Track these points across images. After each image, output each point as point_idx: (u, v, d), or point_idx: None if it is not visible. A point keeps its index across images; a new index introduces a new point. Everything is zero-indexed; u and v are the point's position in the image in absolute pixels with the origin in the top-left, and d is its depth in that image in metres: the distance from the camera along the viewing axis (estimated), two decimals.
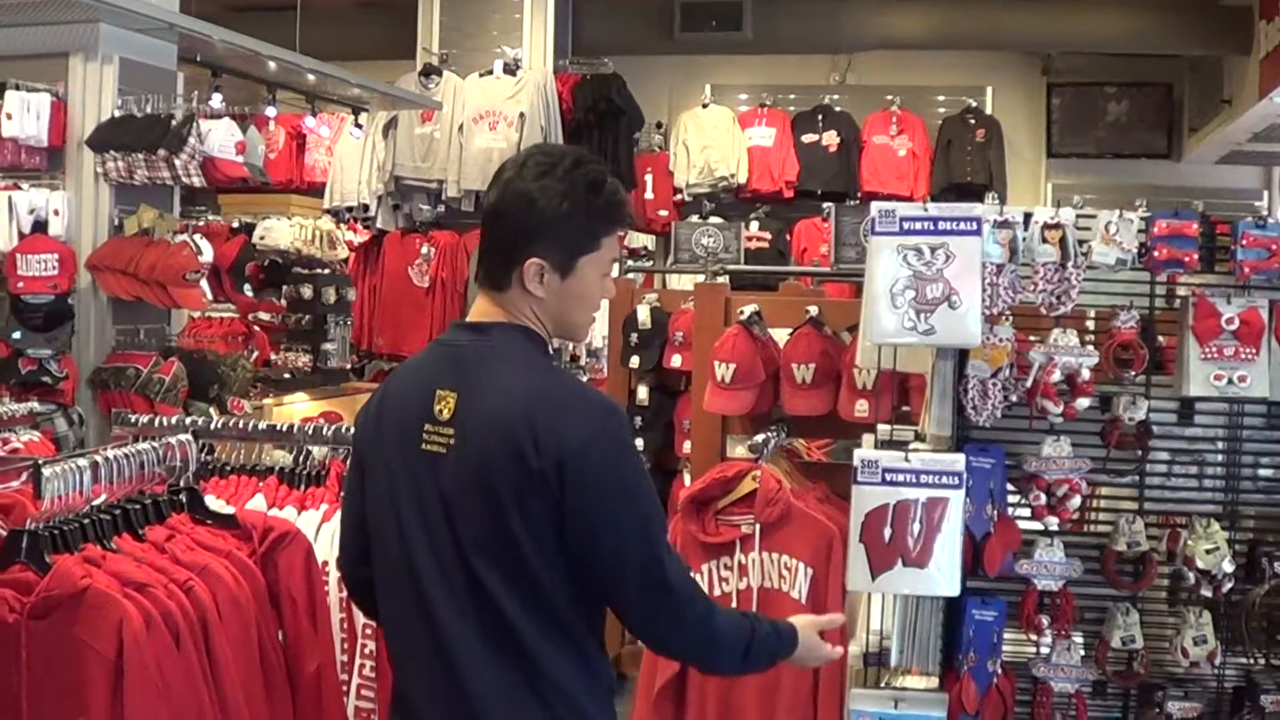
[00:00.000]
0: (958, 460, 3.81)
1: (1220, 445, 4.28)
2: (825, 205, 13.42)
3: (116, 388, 6.94)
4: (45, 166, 7.28)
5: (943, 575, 3.79)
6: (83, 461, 3.44)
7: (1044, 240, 3.92)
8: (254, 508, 4.16)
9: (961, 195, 13.62)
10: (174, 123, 6.94)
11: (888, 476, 3.80)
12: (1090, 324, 4.39)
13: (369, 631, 4.03)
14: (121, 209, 7.19)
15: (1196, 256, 4.00)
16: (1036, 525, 4.10)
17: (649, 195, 13.04)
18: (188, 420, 4.47)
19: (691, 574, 3.36)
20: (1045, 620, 4.11)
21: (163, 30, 7.30)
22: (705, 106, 14.40)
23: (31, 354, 6.91)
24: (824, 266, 12.34)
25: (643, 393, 7.22)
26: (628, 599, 3.21)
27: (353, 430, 3.55)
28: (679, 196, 13.55)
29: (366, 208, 11.48)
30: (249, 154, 7.33)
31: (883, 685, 4.09)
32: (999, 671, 4.06)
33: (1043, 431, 4.06)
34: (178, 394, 6.92)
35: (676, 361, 6.93)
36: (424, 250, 11.20)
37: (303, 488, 4.35)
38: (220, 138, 7.10)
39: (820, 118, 14.41)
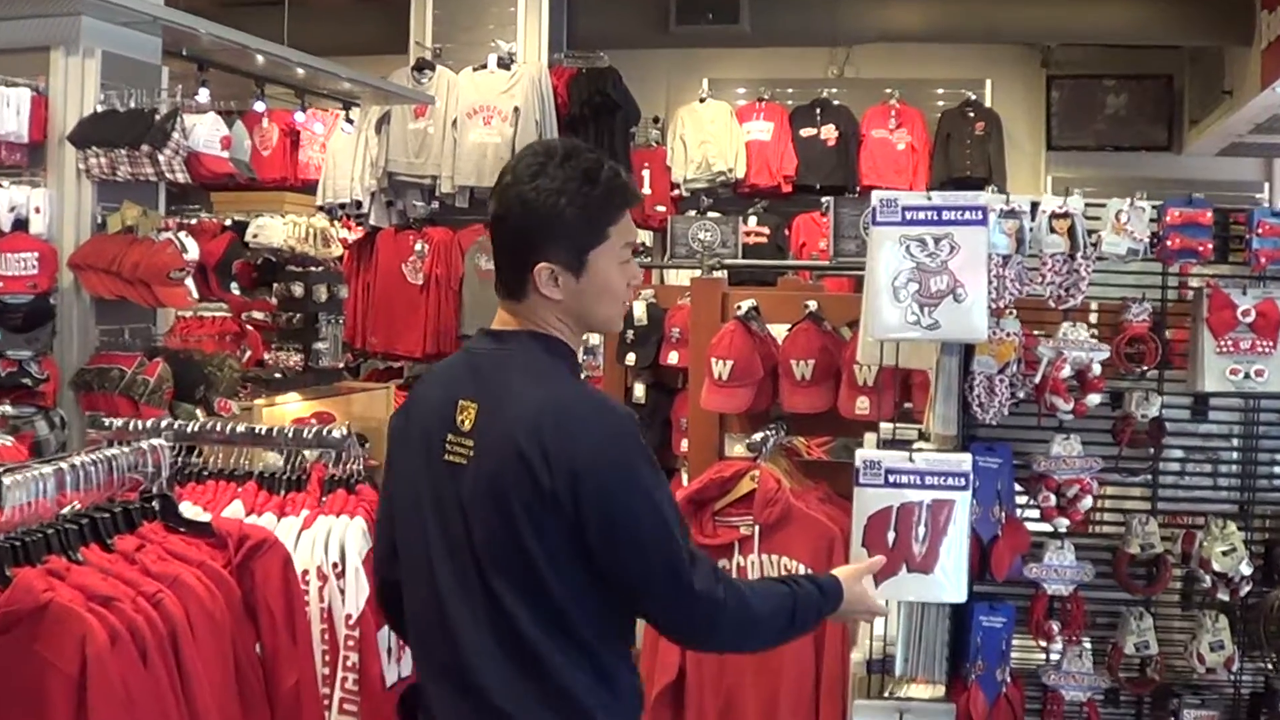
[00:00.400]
0: (964, 460, 3.65)
1: (1235, 442, 4.13)
2: (824, 199, 13.39)
3: (100, 389, 6.79)
4: (26, 163, 7.12)
5: (949, 581, 3.63)
6: (46, 469, 3.28)
7: (1052, 230, 3.76)
8: (232, 514, 4.00)
9: (961, 189, 13.28)
10: (158, 118, 6.80)
11: (891, 478, 3.64)
12: (1093, 316, 4.21)
13: (351, 643, 3.88)
14: (104, 206, 7.03)
15: (1211, 246, 3.84)
16: (1045, 527, 3.95)
17: (646, 191, 12.88)
18: (164, 424, 4.30)
19: (717, 570, 3.24)
20: (1055, 626, 3.95)
21: (146, 23, 7.16)
22: (702, 101, 14.32)
23: (11, 355, 6.76)
24: (823, 260, 12.32)
25: (639, 390, 7.09)
26: (657, 610, 3.21)
27: (387, 432, 3.44)
28: (676, 192, 13.46)
29: (359, 204, 11.37)
30: (235, 149, 7.21)
31: (887, 695, 3.93)
32: (1008, 680, 3.90)
33: (1051, 429, 3.91)
34: (163, 395, 6.77)
35: (673, 358, 6.79)
36: (418, 247, 11.10)
37: (283, 493, 4.18)
38: (205, 133, 6.96)
39: (818, 111, 14.37)
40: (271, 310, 9.86)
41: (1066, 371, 3.77)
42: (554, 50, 11.74)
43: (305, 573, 3.87)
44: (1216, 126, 13.48)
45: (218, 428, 4.31)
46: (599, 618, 3.16)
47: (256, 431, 4.30)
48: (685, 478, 6.08)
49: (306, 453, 4.31)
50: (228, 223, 9.03)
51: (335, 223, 11.09)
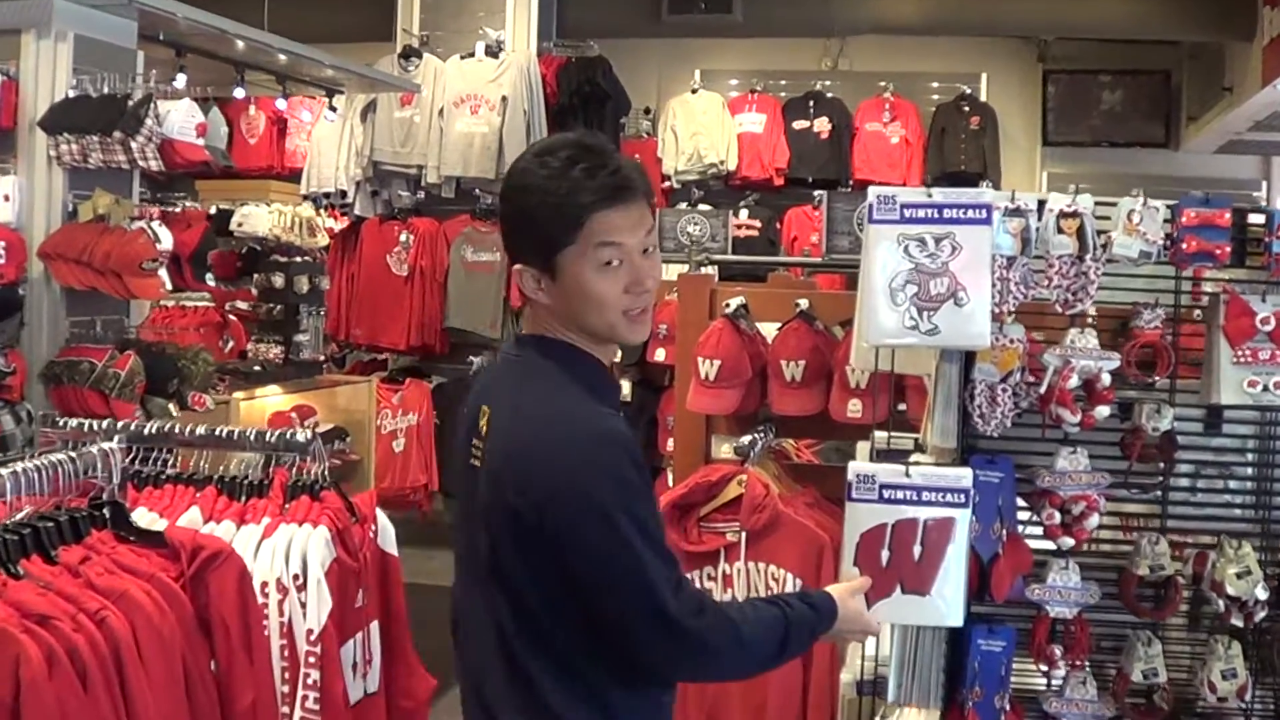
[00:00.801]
0: (964, 475, 3.42)
1: (1250, 457, 3.91)
2: (816, 193, 13.30)
3: (70, 383, 6.58)
4: None
5: (946, 604, 3.41)
6: None
7: (1059, 230, 3.53)
8: (189, 521, 3.79)
9: (955, 184, 13.35)
10: (131, 103, 6.59)
11: (885, 493, 3.41)
12: (1090, 322, 3.97)
13: (312, 660, 3.68)
14: (76, 194, 6.81)
15: (1229, 249, 3.62)
16: (1046, 545, 3.73)
17: None
18: (119, 425, 4.09)
19: (700, 593, 3.07)
20: (1058, 650, 3.74)
21: (122, 6, 6.94)
22: (694, 92, 14.29)
23: None
24: (815, 256, 12.18)
25: (625, 387, 6.94)
26: (638, 644, 2.99)
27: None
28: (667, 184, 13.39)
29: (344, 194, 11.23)
30: (211, 136, 7.03)
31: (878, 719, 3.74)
32: (1007, 707, 3.68)
33: (1055, 441, 3.69)
34: (134, 389, 6.56)
35: (660, 356, 6.64)
36: (403, 238, 10.94)
37: (244, 499, 3.97)
38: (180, 119, 6.75)
39: (812, 104, 14.36)
40: (252, 301, 9.69)
41: (1074, 381, 3.54)
42: (543, 39, 11.52)
43: (265, 585, 3.67)
44: (1215, 123, 13.42)
45: (177, 429, 4.10)
46: (591, 645, 3.00)
47: (218, 434, 4.10)
48: (671, 478, 5.92)
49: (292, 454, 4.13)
50: (212, 211, 8.88)
51: (321, 212, 10.96)
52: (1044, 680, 3.85)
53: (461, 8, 11.33)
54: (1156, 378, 3.68)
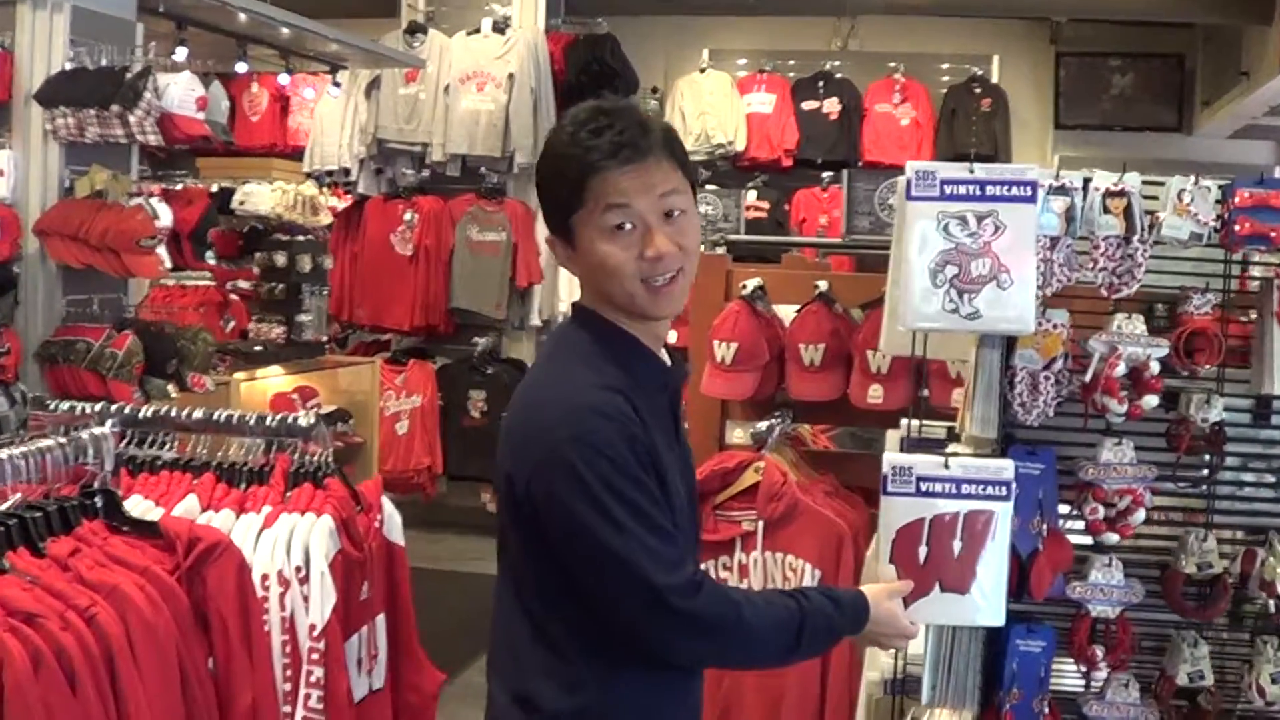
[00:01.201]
0: (1005, 467, 3.23)
1: None
2: (825, 174, 13.21)
3: (65, 363, 6.43)
4: None
5: (987, 602, 3.22)
6: None
7: (1106, 210, 3.35)
8: (185, 510, 3.61)
9: None
10: (129, 76, 6.42)
11: (923, 486, 3.21)
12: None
13: (315, 656, 3.49)
14: (73, 169, 6.66)
15: None
16: (1084, 540, 3.55)
17: None
18: (113, 409, 3.91)
19: (701, 575, 2.91)
20: (1100, 651, 3.55)
21: None
22: (703, 71, 14.20)
23: None
24: (830, 237, 12.03)
25: None
26: (629, 622, 2.86)
27: None
28: None
29: (347, 172, 11.16)
30: (211, 111, 6.84)
31: None
32: (1045, 710, 3.50)
33: (1097, 432, 3.51)
34: (132, 370, 6.41)
35: (672, 338, 6.44)
36: (407, 216, 10.84)
37: (243, 486, 3.78)
38: (179, 93, 6.60)
39: (821, 84, 14.29)
40: (254, 280, 9.52)
41: (1121, 369, 3.36)
42: (551, 15, 11.41)
43: (265, 577, 3.48)
44: (1230, 108, 13.28)
45: (173, 413, 3.92)
46: (575, 627, 2.92)
47: (216, 418, 3.92)
48: None
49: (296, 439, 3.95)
50: (214, 189, 8.71)
51: (324, 190, 10.79)
52: (1081, 680, 3.66)
53: None
54: (1205, 366, 3.49)
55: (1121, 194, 3.35)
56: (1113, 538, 3.49)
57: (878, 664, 3.76)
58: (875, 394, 5.20)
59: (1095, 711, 3.57)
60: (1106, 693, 3.57)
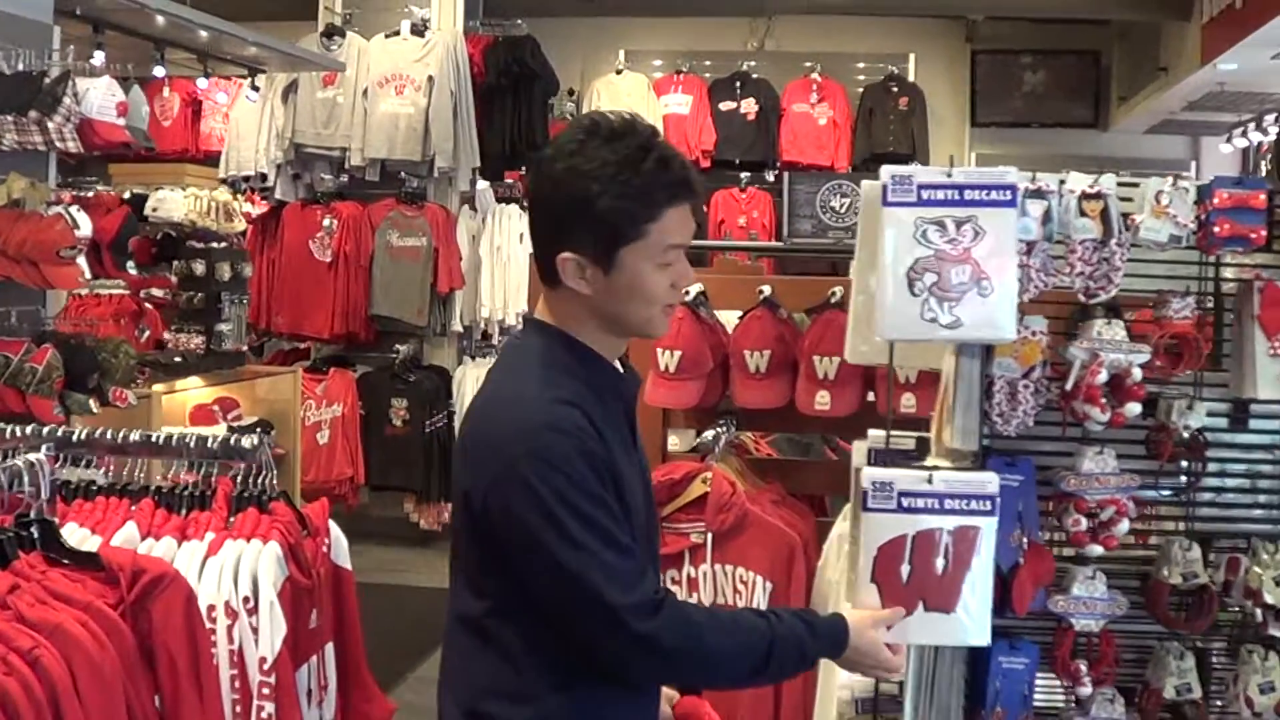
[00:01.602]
0: (989, 481, 3.11)
1: (1279, 454, 3.63)
2: (743, 175, 13.16)
3: None
4: None
5: (972, 621, 3.10)
6: None
7: (1082, 213, 3.25)
8: (125, 539, 3.43)
9: (883, 165, 13.42)
10: (47, 81, 6.22)
11: (905, 502, 3.09)
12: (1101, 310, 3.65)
13: (266, 691, 3.33)
14: None
15: (1265, 233, 3.34)
16: (1064, 552, 3.45)
17: None
18: (44, 431, 3.73)
19: (663, 593, 2.87)
20: (1083, 666, 3.45)
21: None
22: (619, 73, 14.21)
23: None
24: (740, 239, 11.97)
25: None
26: (584, 638, 2.84)
27: None
28: None
29: (264, 177, 10.98)
30: (131, 117, 6.63)
31: None
32: None
33: (1074, 441, 3.40)
34: (52, 385, 6.20)
35: None
36: (326, 222, 10.69)
37: (184, 512, 3.61)
38: (99, 98, 6.38)
39: (738, 85, 14.33)
40: (171, 288, 9.33)
41: (1103, 376, 3.25)
42: (469, 17, 11.29)
43: (211, 609, 3.31)
44: (1148, 104, 13.40)
45: (109, 435, 3.75)
46: (531, 641, 2.88)
47: (156, 439, 3.74)
48: None
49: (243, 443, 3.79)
50: (126, 195, 8.51)
51: (239, 196, 10.61)
52: (1062, 695, 3.55)
53: None
54: (1185, 371, 3.39)
55: (1098, 196, 3.25)
56: (1096, 549, 3.38)
57: (849, 682, 3.63)
58: (822, 400, 5.09)
59: None
60: (1091, 708, 3.46)
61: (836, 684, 3.75)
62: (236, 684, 3.33)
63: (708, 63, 14.83)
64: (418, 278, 10.46)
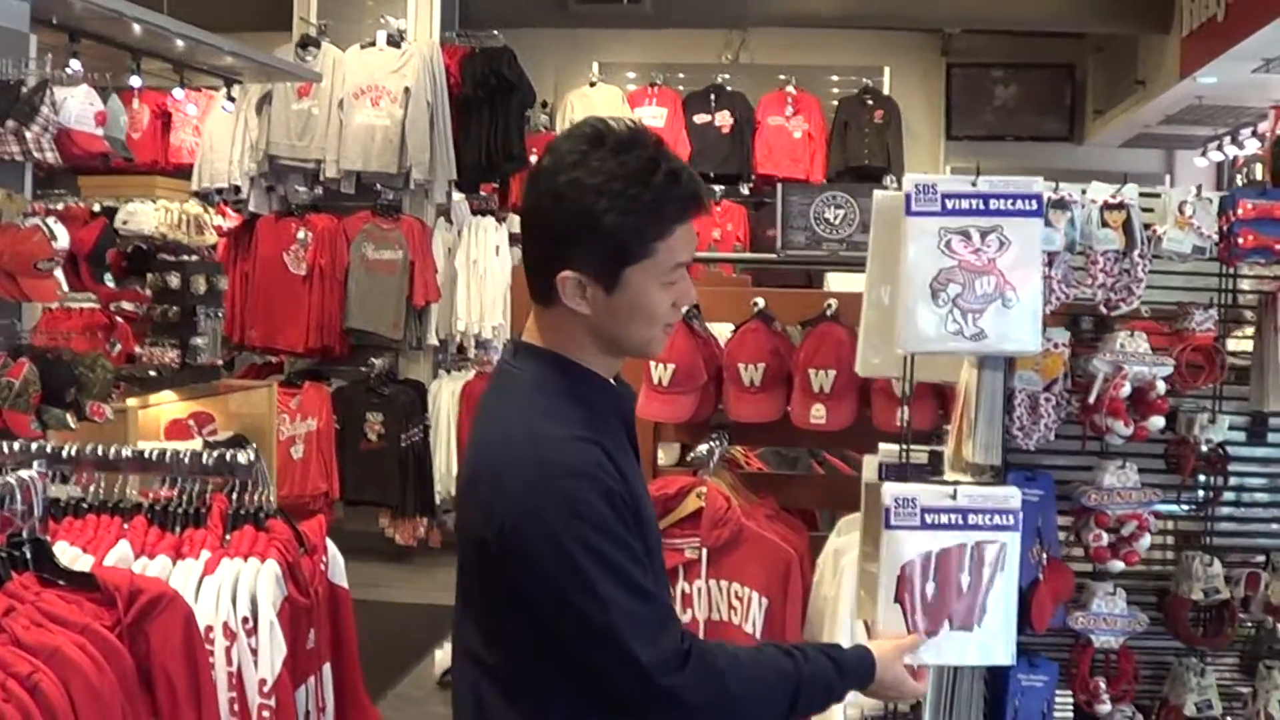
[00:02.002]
0: (1012, 496, 3.03)
1: None
2: (717, 188, 13.11)
3: None
4: None
5: (996, 639, 3.03)
6: None
7: (1104, 224, 3.18)
8: (118, 558, 3.33)
9: (859, 178, 13.57)
10: (24, 90, 6.12)
11: (928, 518, 3.01)
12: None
13: (266, 714, 3.24)
14: None
15: None
16: (1082, 567, 3.38)
17: None
18: (34, 447, 3.63)
19: (689, 641, 2.72)
20: (1103, 683, 3.37)
21: None
22: (593, 85, 14.14)
23: None
24: (722, 251, 11.89)
25: None
26: (609, 686, 2.70)
27: None
28: None
29: (238, 189, 10.83)
30: (110, 126, 6.54)
31: None
32: None
33: (1093, 454, 3.33)
34: (29, 400, 6.10)
35: None
36: (300, 235, 10.53)
37: (178, 530, 3.50)
38: (77, 107, 6.29)
39: (713, 97, 14.31)
40: (144, 302, 9.24)
41: (1126, 390, 3.18)
42: (445, 28, 11.19)
43: (209, 629, 3.22)
44: (1124, 117, 13.41)
45: (99, 450, 3.65)
46: (551, 688, 2.74)
47: (147, 455, 3.64)
48: None
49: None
50: (96, 208, 8.41)
51: (210, 209, 10.52)
52: (1085, 715, 3.48)
53: None
54: (1205, 385, 3.32)
55: (1120, 207, 3.18)
56: (1118, 565, 3.30)
57: (854, 699, 3.54)
58: (818, 414, 5.03)
59: None
60: None
61: (844, 701, 3.66)
62: (235, 707, 3.25)
63: (682, 75, 14.79)
64: (393, 291, 10.35)
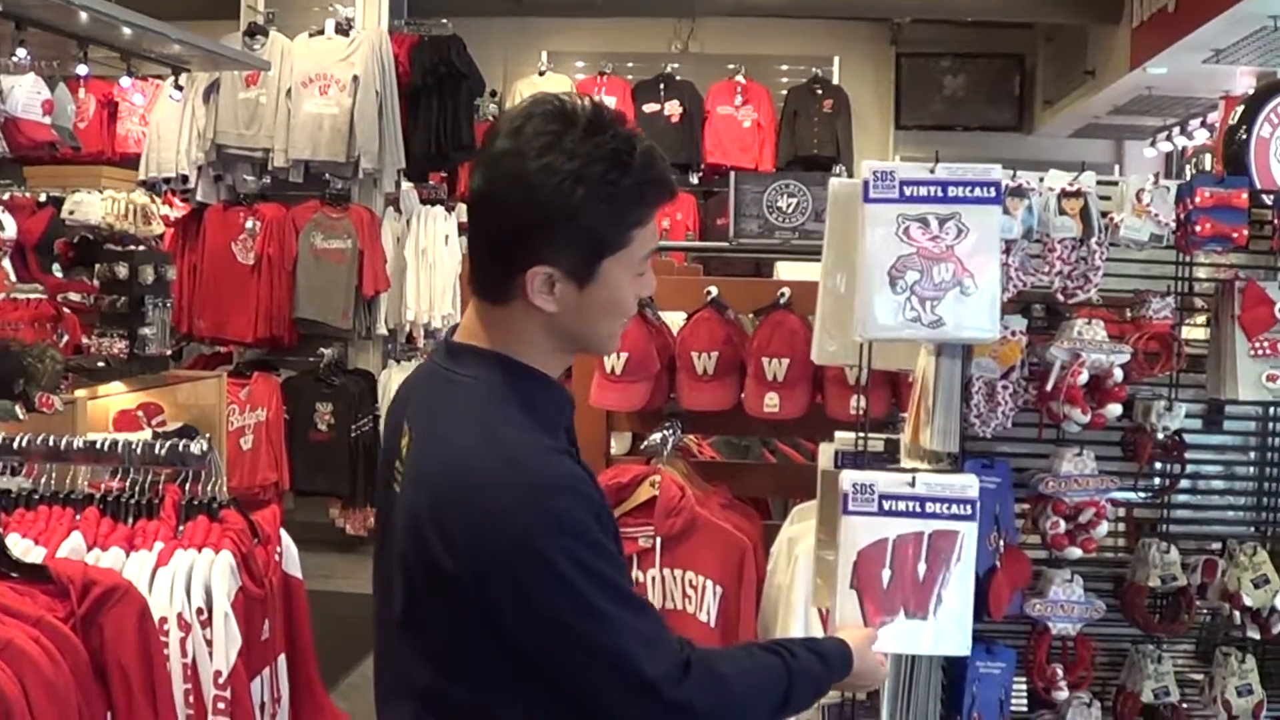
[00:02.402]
0: (969, 484, 3.03)
1: (1252, 455, 3.57)
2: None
3: None
4: None
5: (952, 628, 3.03)
6: None
7: (1061, 211, 3.17)
8: (71, 550, 3.30)
9: (808, 168, 13.56)
10: None
11: (886, 505, 3.00)
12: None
13: (221, 705, 3.22)
14: None
15: (1247, 232, 3.27)
16: (1041, 554, 3.38)
17: None
18: None
19: (687, 649, 2.58)
20: (1059, 670, 3.37)
21: None
22: (542, 74, 14.08)
23: None
24: (674, 240, 11.89)
25: None
26: (613, 708, 2.53)
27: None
28: None
29: (185, 179, 10.75)
30: (57, 115, 6.49)
31: None
32: None
33: (1050, 442, 3.33)
34: None
35: None
36: (248, 224, 10.46)
37: (130, 521, 3.47)
38: (24, 96, 6.27)
39: (662, 86, 14.31)
40: (91, 292, 9.16)
41: (1084, 377, 3.18)
42: (394, 16, 11.13)
43: (163, 621, 3.19)
44: (1073, 107, 13.48)
45: (50, 441, 3.61)
46: (537, 715, 2.56)
47: (98, 445, 3.61)
48: None
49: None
50: (42, 198, 8.34)
51: (157, 199, 10.43)
52: (1039, 703, 3.48)
53: None
54: (1161, 373, 3.32)
55: (1078, 194, 3.17)
56: (1076, 552, 3.30)
57: None
58: (771, 402, 5.01)
59: None
60: (1067, 713, 3.39)
61: None
62: (191, 699, 3.23)
63: (631, 64, 14.78)
64: (342, 280, 10.29)
